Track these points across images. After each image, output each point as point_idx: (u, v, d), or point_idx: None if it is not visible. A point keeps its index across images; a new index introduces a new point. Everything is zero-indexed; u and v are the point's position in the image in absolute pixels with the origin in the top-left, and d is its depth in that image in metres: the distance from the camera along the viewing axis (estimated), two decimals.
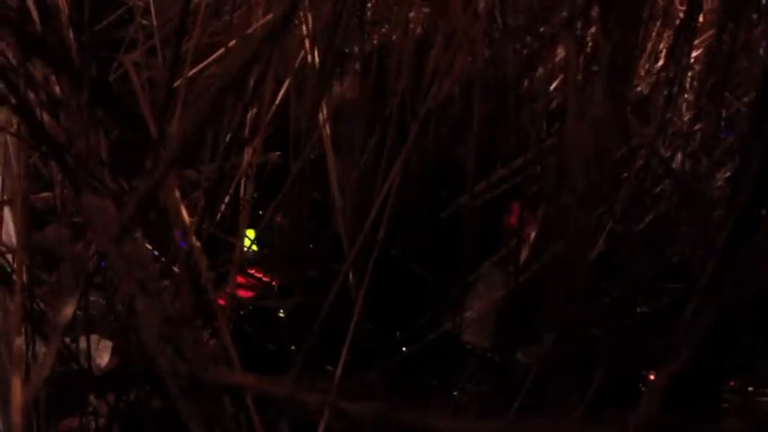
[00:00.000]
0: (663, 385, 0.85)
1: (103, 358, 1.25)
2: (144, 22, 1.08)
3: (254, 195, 1.13)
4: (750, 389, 1.27)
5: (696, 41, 1.09)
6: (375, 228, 1.01)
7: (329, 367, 1.11)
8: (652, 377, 1.39)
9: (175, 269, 0.85)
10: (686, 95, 1.24)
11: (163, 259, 1.03)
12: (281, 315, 1.20)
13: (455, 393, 1.18)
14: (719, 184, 1.17)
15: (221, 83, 0.37)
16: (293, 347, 1.12)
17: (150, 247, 0.98)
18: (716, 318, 0.80)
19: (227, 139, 1.00)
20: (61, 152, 0.55)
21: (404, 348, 1.20)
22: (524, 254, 1.16)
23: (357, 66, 1.04)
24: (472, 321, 1.20)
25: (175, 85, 0.93)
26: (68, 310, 0.49)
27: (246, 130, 0.95)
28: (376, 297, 1.02)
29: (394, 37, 1.01)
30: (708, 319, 0.80)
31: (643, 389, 1.37)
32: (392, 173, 0.95)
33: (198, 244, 0.67)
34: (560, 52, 1.08)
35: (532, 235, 1.14)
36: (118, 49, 1.19)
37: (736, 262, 0.77)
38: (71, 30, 0.65)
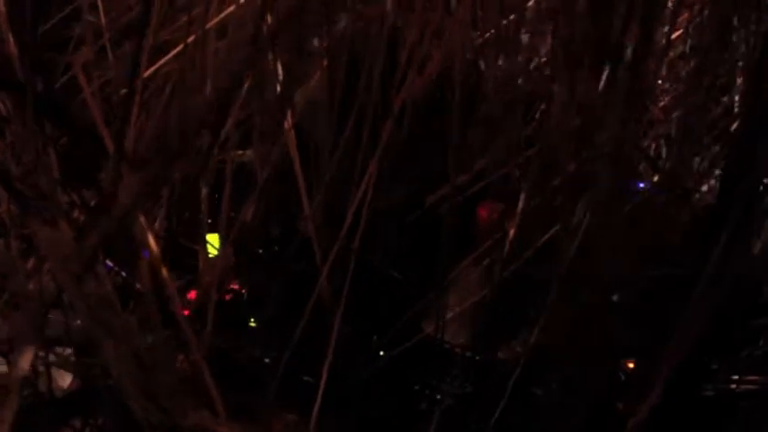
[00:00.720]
0: (665, 376, 0.82)
1: (65, 379, 1.18)
2: (92, 18, 1.01)
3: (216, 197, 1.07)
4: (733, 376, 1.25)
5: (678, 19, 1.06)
6: (349, 230, 0.96)
7: (307, 378, 1.06)
8: (631, 365, 1.37)
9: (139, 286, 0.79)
10: (661, 82, 1.21)
11: (124, 275, 0.96)
12: (253, 325, 1.14)
13: (438, 396, 1.14)
14: (699, 170, 1.14)
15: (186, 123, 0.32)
16: (268, 360, 1.06)
17: (110, 263, 0.91)
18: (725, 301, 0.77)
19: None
20: (6, 175, 0.48)
21: (381, 353, 1.16)
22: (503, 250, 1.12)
23: (324, 61, 0.99)
24: (452, 321, 1.16)
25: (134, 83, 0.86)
26: (25, 362, 0.42)
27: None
28: (351, 301, 0.97)
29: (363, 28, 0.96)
30: (717, 298, 0.77)
31: (623, 378, 1.35)
32: (367, 173, 0.90)
33: (164, 267, 0.61)
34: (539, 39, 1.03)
35: (511, 231, 1.10)
36: (66, 50, 1.11)
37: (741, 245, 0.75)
38: (11, 33, 0.58)
